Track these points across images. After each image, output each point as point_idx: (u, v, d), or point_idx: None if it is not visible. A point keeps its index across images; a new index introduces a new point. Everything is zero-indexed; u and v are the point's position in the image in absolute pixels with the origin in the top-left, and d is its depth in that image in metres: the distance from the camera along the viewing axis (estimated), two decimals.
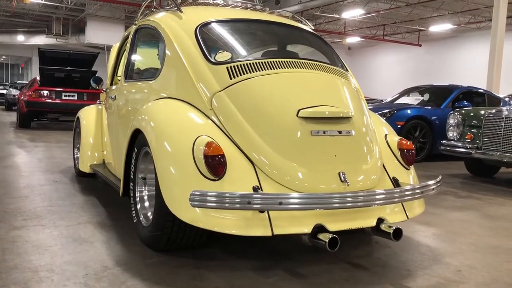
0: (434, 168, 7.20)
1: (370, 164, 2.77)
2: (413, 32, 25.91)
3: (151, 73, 3.68)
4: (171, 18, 3.38)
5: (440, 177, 2.84)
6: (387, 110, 7.83)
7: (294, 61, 2.99)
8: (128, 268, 2.48)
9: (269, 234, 2.31)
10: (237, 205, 2.21)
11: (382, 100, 13.40)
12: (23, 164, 5.92)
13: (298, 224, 2.36)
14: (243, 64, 2.87)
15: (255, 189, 2.42)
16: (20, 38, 29.55)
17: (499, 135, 5.44)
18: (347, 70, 3.37)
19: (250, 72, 2.83)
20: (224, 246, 2.90)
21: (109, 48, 5.17)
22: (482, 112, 5.80)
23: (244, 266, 2.59)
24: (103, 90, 4.73)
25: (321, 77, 3.00)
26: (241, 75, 2.82)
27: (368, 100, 13.78)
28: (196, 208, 2.34)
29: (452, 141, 6.08)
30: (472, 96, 8.80)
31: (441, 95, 8.74)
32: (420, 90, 9.57)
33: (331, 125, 2.67)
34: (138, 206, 2.96)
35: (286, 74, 2.89)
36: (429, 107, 8.32)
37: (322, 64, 3.11)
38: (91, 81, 4.88)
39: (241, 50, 3.31)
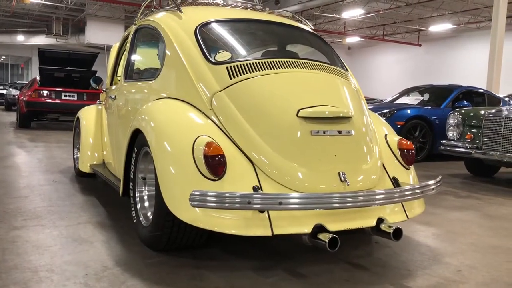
0: (434, 168, 7.20)
1: (370, 164, 2.76)
2: (413, 32, 25.91)
3: (151, 73, 3.68)
4: (171, 18, 3.38)
5: (440, 177, 2.83)
6: (387, 110, 7.83)
7: (294, 61, 2.99)
8: (128, 268, 2.48)
9: (269, 234, 2.31)
10: (237, 205, 2.21)
11: (382, 100, 13.41)
12: (23, 164, 5.91)
13: (298, 224, 2.36)
14: (243, 64, 2.87)
15: (255, 189, 2.42)
16: (20, 38, 29.56)
17: (499, 135, 5.44)
18: (347, 70, 3.37)
19: (250, 72, 2.83)
20: (224, 246, 2.90)
21: (109, 48, 5.18)
22: (482, 112, 5.80)
23: (244, 266, 2.59)
24: (103, 90, 4.73)
25: (321, 77, 3.00)
26: (241, 75, 2.81)
27: (368, 100, 13.78)
28: (196, 208, 2.34)
29: (452, 141, 6.08)
30: (472, 96, 8.80)
31: (441, 95, 8.74)
32: (420, 90, 9.57)
33: (331, 125, 2.67)
34: (138, 206, 2.96)
35: (286, 74, 2.89)
36: (429, 107, 8.32)
37: (322, 64, 3.11)
38: (91, 81, 4.88)
39: (241, 50, 3.31)
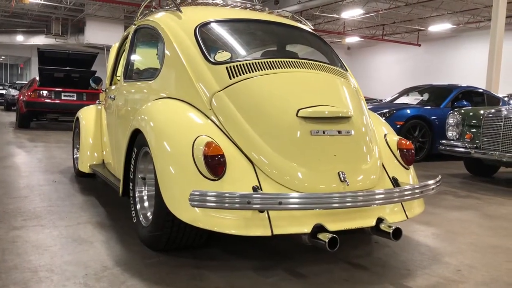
0: (433, 167, 7.20)
1: (370, 164, 2.77)
2: (412, 32, 25.92)
3: (150, 73, 3.68)
4: (171, 18, 3.38)
5: (439, 176, 2.84)
6: (386, 110, 7.83)
7: (294, 61, 2.99)
8: (128, 268, 2.48)
9: (269, 234, 2.31)
10: (237, 205, 2.21)
11: (381, 100, 13.41)
12: (23, 164, 5.91)
13: (297, 224, 2.36)
14: (243, 64, 2.87)
15: (255, 189, 2.42)
16: (19, 38, 29.53)
17: (499, 134, 5.44)
18: (346, 70, 3.37)
19: (250, 72, 2.83)
20: (224, 246, 2.90)
21: (108, 48, 5.18)
22: (482, 111, 5.80)
23: (244, 266, 2.59)
24: (103, 90, 4.73)
25: (320, 77, 3.00)
26: (240, 75, 2.81)
27: (368, 100, 13.79)
28: (196, 208, 2.34)
29: (452, 141, 6.08)
30: (472, 95, 8.80)
31: (441, 95, 8.74)
32: (420, 89, 9.58)
33: (331, 124, 2.67)
34: (138, 206, 2.96)
35: (286, 74, 2.89)
36: (429, 107, 8.33)
37: (321, 64, 3.11)
38: (91, 81, 4.88)
39: (240, 50, 3.31)
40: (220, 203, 2.22)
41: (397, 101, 9.18)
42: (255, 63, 2.88)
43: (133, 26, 3.98)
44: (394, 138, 3.11)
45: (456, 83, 9.94)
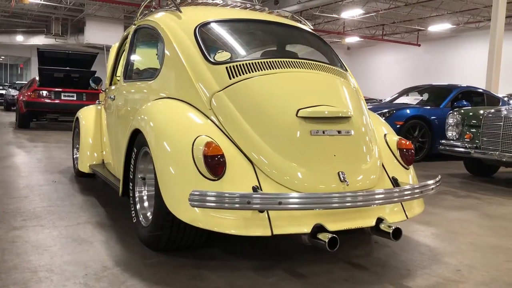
0: (433, 167, 7.20)
1: (370, 163, 2.77)
2: (412, 32, 25.93)
3: (150, 73, 3.68)
4: (170, 18, 3.38)
5: (439, 176, 2.84)
6: (386, 110, 7.83)
7: (293, 61, 2.99)
8: (128, 268, 2.48)
9: (269, 234, 2.31)
10: (237, 205, 2.21)
11: (381, 100, 13.41)
12: (22, 164, 5.91)
13: (297, 224, 2.36)
14: (243, 64, 2.87)
15: (255, 189, 2.42)
16: (19, 38, 29.53)
17: (498, 134, 5.44)
18: (346, 70, 3.37)
19: (250, 72, 2.83)
20: (224, 246, 2.90)
21: (108, 48, 5.18)
22: (481, 111, 5.80)
23: (244, 266, 2.59)
24: (102, 90, 4.73)
25: (320, 77, 3.00)
26: (240, 75, 2.81)
27: (367, 100, 13.79)
28: (196, 208, 2.34)
29: (451, 141, 6.08)
30: (471, 95, 8.81)
31: (440, 95, 8.75)
32: (419, 89, 9.58)
33: (331, 124, 2.67)
34: (138, 206, 2.96)
35: (286, 74, 2.89)
36: (428, 107, 8.33)
37: (321, 64, 3.11)
38: (90, 81, 4.88)
39: (240, 50, 3.31)
40: (220, 203, 2.22)
41: (397, 101, 9.19)
42: (255, 63, 2.88)
43: (133, 26, 3.98)
44: (394, 138, 3.12)
45: (456, 83, 9.94)
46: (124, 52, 4.04)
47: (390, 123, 3.83)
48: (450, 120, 6.15)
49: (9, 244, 2.78)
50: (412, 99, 9.09)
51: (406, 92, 9.66)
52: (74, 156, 5.15)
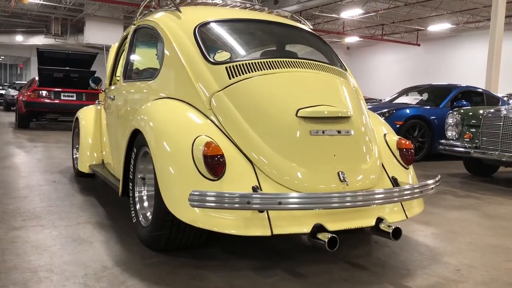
0: (433, 167, 7.21)
1: (369, 163, 2.77)
2: (411, 32, 25.93)
3: (150, 73, 3.68)
4: (170, 18, 3.38)
5: (439, 176, 2.84)
6: (386, 110, 7.83)
7: (293, 61, 2.99)
8: (128, 268, 2.48)
9: (269, 234, 2.31)
10: (237, 205, 2.21)
11: (381, 100, 13.41)
12: (22, 164, 5.91)
13: (297, 224, 2.36)
14: (242, 64, 2.87)
15: (255, 189, 2.42)
16: (19, 38, 29.52)
17: (498, 134, 5.44)
18: (346, 69, 3.37)
19: (249, 72, 2.82)
20: (224, 246, 2.90)
21: (107, 48, 5.18)
22: (481, 111, 5.80)
23: (244, 266, 2.59)
24: (102, 90, 4.73)
25: (320, 77, 3.00)
26: (240, 75, 2.81)
27: (367, 100, 13.79)
28: (196, 208, 2.34)
29: (451, 141, 6.09)
30: (471, 95, 8.81)
31: (440, 95, 8.75)
32: (419, 89, 9.59)
33: (330, 124, 2.67)
34: (137, 206, 2.96)
35: (285, 74, 2.89)
36: (428, 107, 8.33)
37: (321, 63, 3.11)
38: (90, 81, 4.88)
39: (240, 50, 3.31)
40: (219, 203, 2.22)
41: (397, 101, 9.19)
42: (255, 63, 2.88)
43: (133, 26, 3.97)
44: (393, 137, 3.12)
45: (456, 83, 9.95)
46: (124, 52, 4.04)
47: (389, 123, 3.83)
48: (450, 120, 6.16)
49: (9, 244, 2.78)
50: (411, 99, 9.10)
51: (405, 92, 9.66)
52: (74, 156, 5.15)
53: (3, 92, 22.78)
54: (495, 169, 6.55)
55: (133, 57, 3.94)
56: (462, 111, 6.10)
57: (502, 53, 12.01)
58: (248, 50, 3.39)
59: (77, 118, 5.01)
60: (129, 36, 3.99)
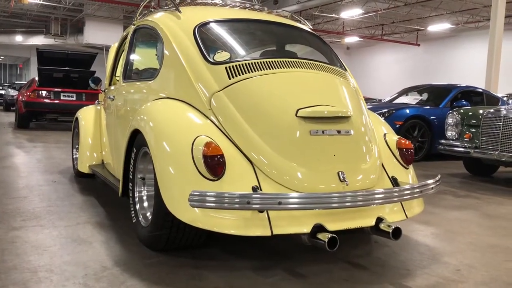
0: (433, 167, 7.21)
1: (369, 163, 2.77)
2: (411, 32, 25.93)
3: (149, 73, 3.68)
4: (170, 18, 3.38)
5: (439, 176, 2.84)
6: (385, 110, 7.83)
7: (293, 61, 2.99)
8: (127, 268, 2.48)
9: (269, 234, 2.31)
10: (236, 205, 2.21)
11: (380, 100, 13.41)
12: (22, 164, 5.91)
13: (297, 224, 2.36)
14: (242, 64, 2.87)
15: (254, 189, 2.42)
16: (19, 38, 29.53)
17: (498, 134, 5.44)
18: (345, 69, 3.37)
19: (249, 72, 2.82)
20: (224, 246, 2.90)
21: (107, 48, 5.18)
22: (481, 111, 5.81)
23: (244, 266, 2.59)
24: (102, 91, 4.73)
25: (320, 77, 3.00)
26: (240, 75, 2.81)
27: (367, 100, 13.79)
28: (195, 208, 2.33)
29: (451, 141, 6.09)
30: (471, 95, 8.81)
31: (440, 95, 8.75)
32: (419, 89, 9.59)
33: (330, 124, 2.67)
34: (137, 206, 2.96)
35: (285, 74, 2.89)
36: (428, 107, 8.33)
37: (321, 63, 3.11)
38: (90, 81, 4.88)
39: (239, 50, 3.31)
40: (219, 203, 2.22)
41: (396, 101, 9.19)
42: (254, 63, 2.88)
43: (132, 26, 3.97)
44: (393, 137, 3.12)
45: (455, 82, 9.95)
46: (124, 52, 4.04)
47: (389, 123, 3.83)
48: (450, 120, 6.16)
49: (9, 244, 2.78)
50: (411, 99, 9.10)
51: (405, 92, 9.67)
52: (74, 156, 5.15)
53: (2, 92, 22.80)
54: (495, 169, 6.55)
55: (132, 57, 3.94)
56: (462, 111, 6.11)
57: (502, 53, 12.01)
58: (247, 50, 3.39)
59: (76, 118, 5.01)
60: (128, 36, 3.99)
